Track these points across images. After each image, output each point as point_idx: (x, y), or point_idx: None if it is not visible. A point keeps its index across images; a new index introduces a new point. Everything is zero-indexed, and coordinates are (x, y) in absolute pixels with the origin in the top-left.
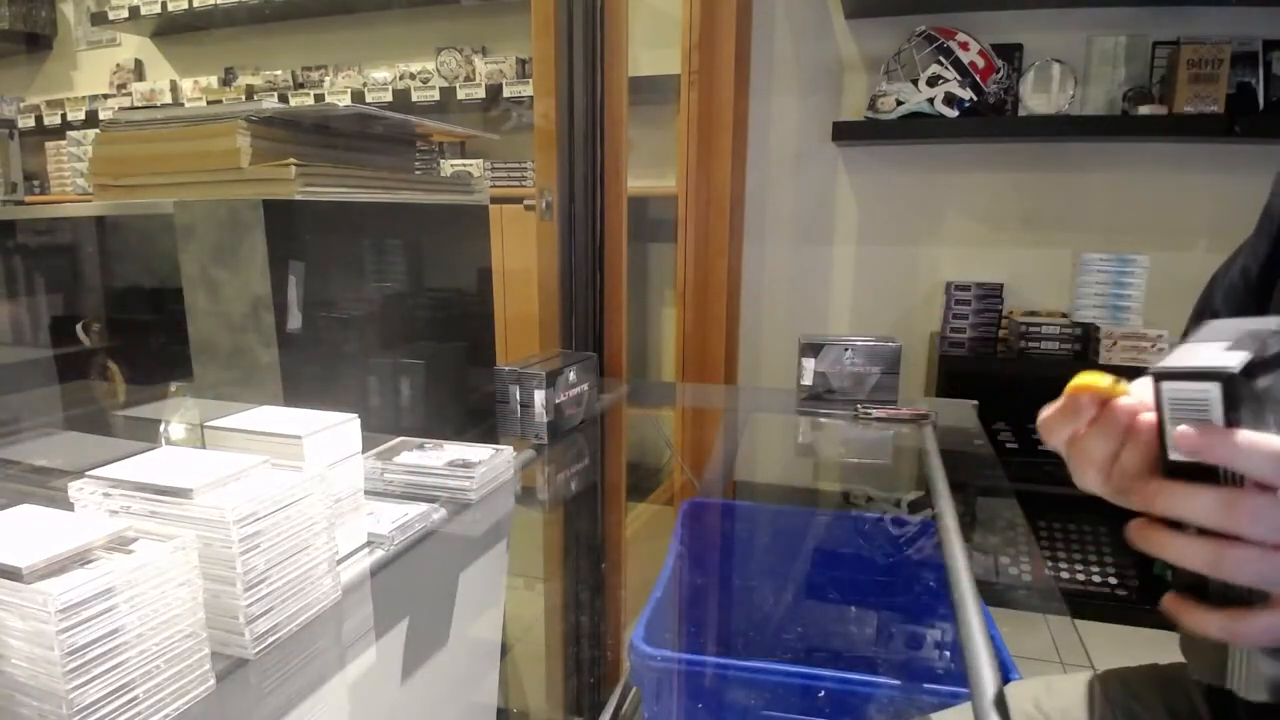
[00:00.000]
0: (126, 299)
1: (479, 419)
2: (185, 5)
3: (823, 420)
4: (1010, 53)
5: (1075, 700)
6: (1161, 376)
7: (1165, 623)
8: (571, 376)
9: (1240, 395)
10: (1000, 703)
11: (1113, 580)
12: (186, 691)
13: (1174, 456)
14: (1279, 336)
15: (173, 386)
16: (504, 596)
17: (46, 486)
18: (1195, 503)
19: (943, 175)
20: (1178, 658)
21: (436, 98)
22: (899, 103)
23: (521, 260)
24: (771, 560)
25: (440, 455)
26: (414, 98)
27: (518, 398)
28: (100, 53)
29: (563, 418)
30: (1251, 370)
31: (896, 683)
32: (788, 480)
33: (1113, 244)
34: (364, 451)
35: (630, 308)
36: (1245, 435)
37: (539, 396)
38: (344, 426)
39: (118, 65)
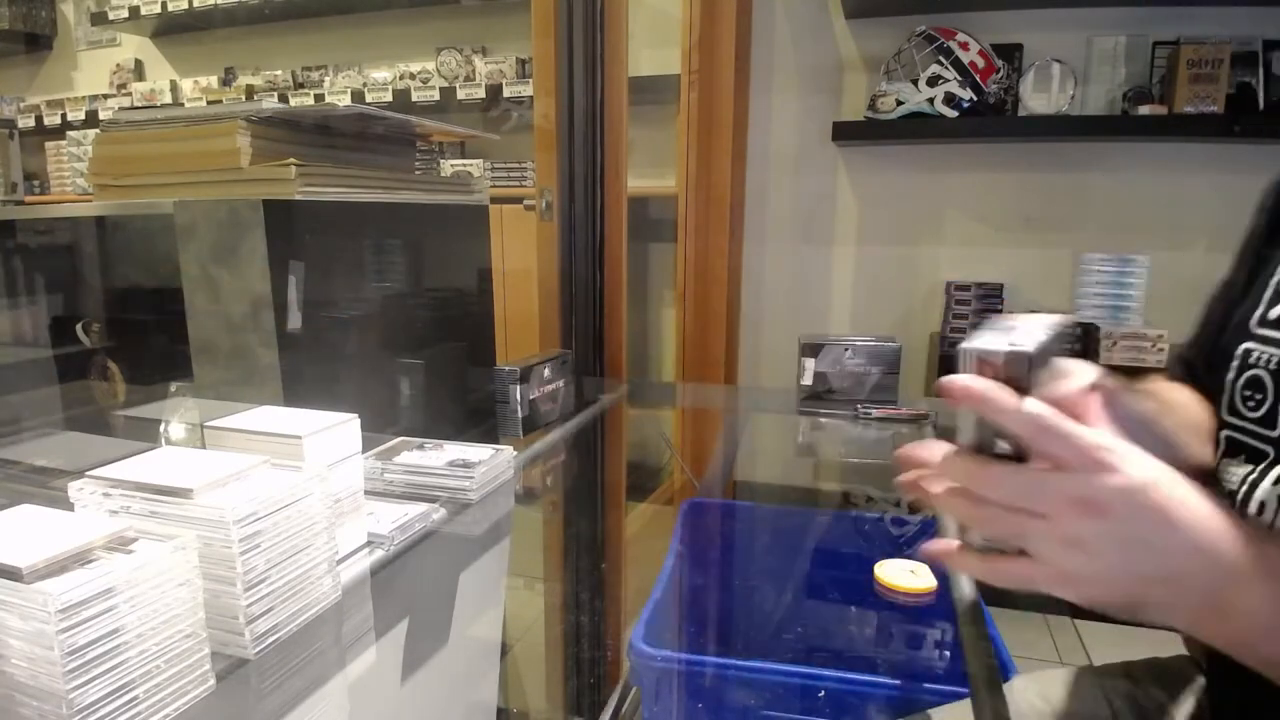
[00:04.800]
0: (126, 299)
1: (479, 419)
2: (185, 5)
3: (823, 420)
4: (1010, 53)
5: (1079, 691)
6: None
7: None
8: (546, 373)
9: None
10: (1000, 701)
11: None
12: (186, 691)
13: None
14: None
15: (173, 386)
16: (504, 596)
17: (46, 486)
18: (952, 467)
19: (943, 175)
20: (1178, 652)
21: (436, 98)
22: (899, 103)
23: (521, 260)
24: (771, 560)
25: (440, 455)
26: (414, 98)
27: (518, 397)
28: (100, 53)
29: (537, 414)
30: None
31: (896, 683)
32: (788, 480)
33: (1113, 244)
34: (364, 451)
35: (630, 308)
36: (1005, 390)
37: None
38: (344, 426)
39: (118, 65)
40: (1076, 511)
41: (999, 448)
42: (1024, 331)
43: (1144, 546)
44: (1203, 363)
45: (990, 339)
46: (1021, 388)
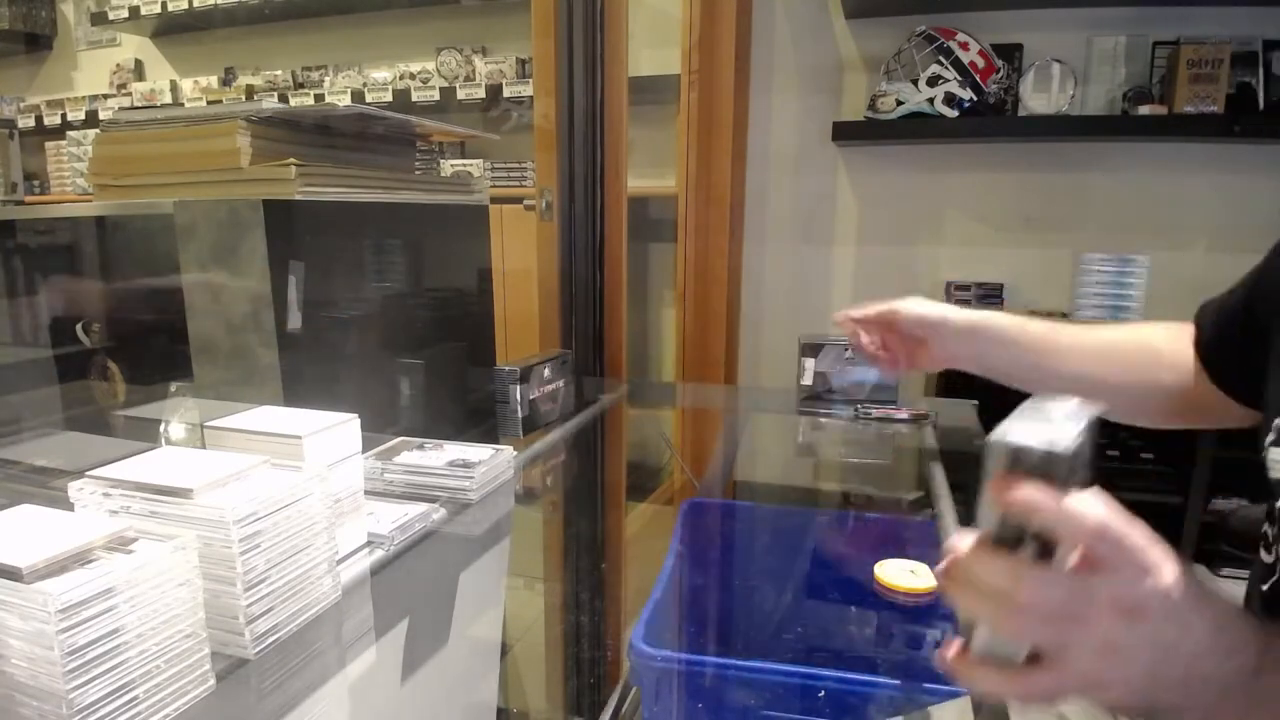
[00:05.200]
0: (126, 299)
1: (479, 419)
2: (185, 5)
3: (823, 420)
4: (1010, 53)
5: None
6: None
7: None
8: (546, 373)
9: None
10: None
11: None
12: (186, 691)
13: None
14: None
15: (173, 386)
16: (504, 596)
17: (46, 486)
18: (988, 568)
19: (943, 175)
20: None
21: (436, 98)
22: (899, 103)
23: (521, 260)
24: (771, 560)
25: (440, 455)
26: (414, 98)
27: (518, 397)
28: (100, 53)
29: (537, 414)
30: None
31: (896, 682)
32: (788, 480)
33: (1113, 244)
34: (364, 451)
35: (630, 308)
36: (1051, 494)
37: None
38: (344, 426)
39: (118, 65)
40: (1118, 616)
41: (1025, 545)
42: (1057, 421)
43: (1172, 649)
44: (1224, 334)
45: (1024, 430)
46: (1054, 485)
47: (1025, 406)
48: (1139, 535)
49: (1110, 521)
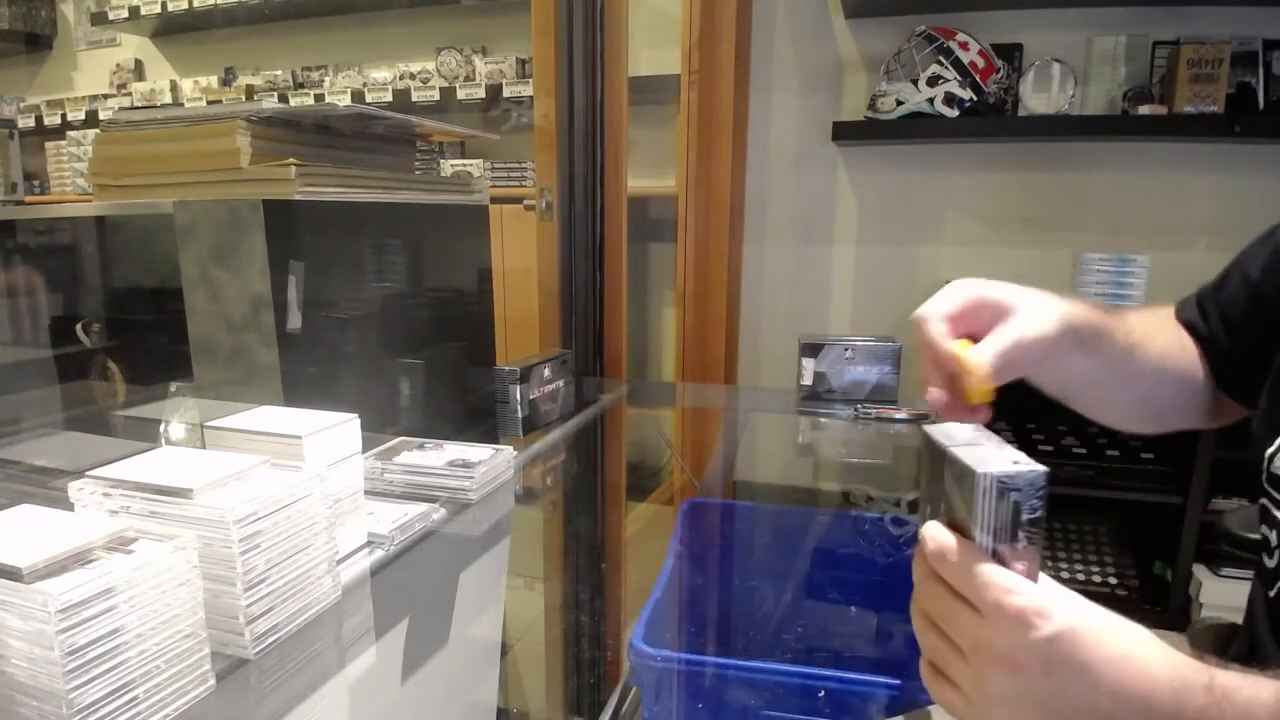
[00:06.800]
0: (126, 299)
1: (479, 419)
2: (185, 5)
3: (823, 420)
4: (1010, 53)
5: None
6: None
7: (1165, 623)
8: (546, 373)
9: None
10: None
11: (1113, 580)
12: (186, 691)
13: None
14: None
15: (173, 386)
16: (504, 596)
17: (46, 486)
18: (927, 536)
19: (943, 175)
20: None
21: (436, 98)
22: (899, 103)
23: (521, 260)
24: (771, 560)
25: (440, 455)
26: (414, 98)
27: (518, 397)
28: (100, 53)
29: (537, 413)
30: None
31: (897, 682)
32: (788, 480)
33: (1113, 244)
34: (364, 451)
35: (630, 308)
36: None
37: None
38: (344, 426)
39: (118, 65)
40: (989, 662)
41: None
42: (991, 446)
43: (1064, 701)
44: (1234, 335)
45: (994, 462)
46: (1040, 503)
47: (949, 440)
48: (1023, 587)
49: (950, 562)
